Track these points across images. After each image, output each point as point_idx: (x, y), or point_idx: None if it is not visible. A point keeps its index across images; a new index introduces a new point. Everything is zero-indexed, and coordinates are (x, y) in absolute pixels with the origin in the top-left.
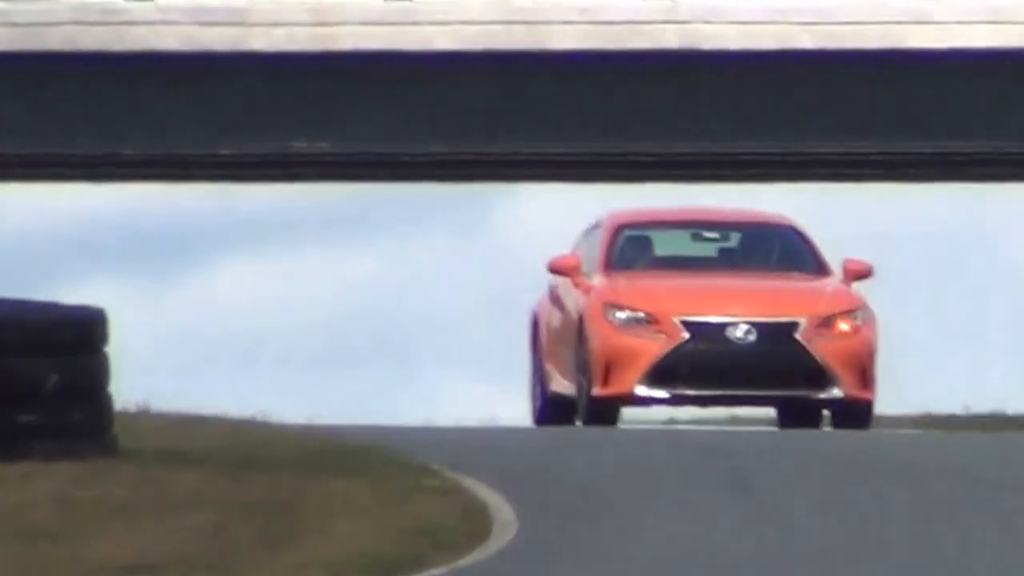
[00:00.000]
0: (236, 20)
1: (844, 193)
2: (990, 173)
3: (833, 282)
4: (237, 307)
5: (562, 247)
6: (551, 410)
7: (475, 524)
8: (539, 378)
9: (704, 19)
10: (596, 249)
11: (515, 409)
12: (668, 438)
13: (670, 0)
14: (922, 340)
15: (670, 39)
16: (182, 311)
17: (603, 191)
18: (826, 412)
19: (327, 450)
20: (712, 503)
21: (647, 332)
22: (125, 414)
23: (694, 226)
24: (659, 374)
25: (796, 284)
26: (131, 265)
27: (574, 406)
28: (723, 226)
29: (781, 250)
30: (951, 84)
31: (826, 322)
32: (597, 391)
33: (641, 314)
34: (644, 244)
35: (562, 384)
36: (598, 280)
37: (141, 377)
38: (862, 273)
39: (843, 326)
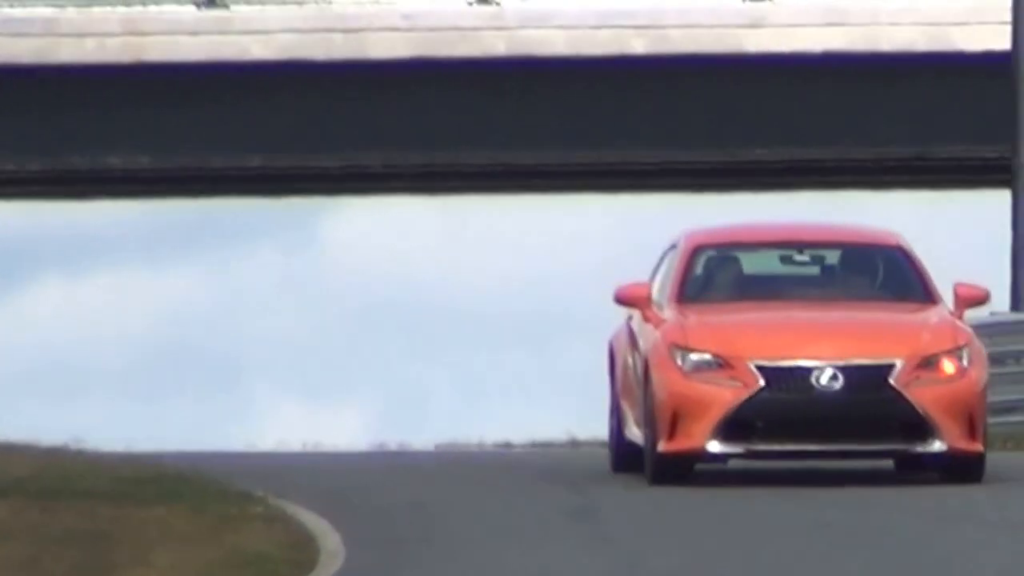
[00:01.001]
0: (45, 31)
1: (683, 201)
2: (833, 180)
3: (940, 313)
4: (50, 329)
5: (389, 260)
6: (627, 459)
7: (301, 554)
8: (616, 421)
9: (531, 24)
10: (670, 275)
11: (340, 433)
12: (505, 462)
13: (496, 6)
14: None
15: (496, 45)
16: None
17: (429, 203)
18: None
19: (145, 478)
20: (553, 530)
21: (719, 378)
22: None
23: (784, 246)
24: (733, 427)
25: (893, 318)
26: None
27: None
28: (819, 246)
29: (884, 275)
30: (788, 87)
31: (927, 363)
32: (663, 447)
33: (712, 357)
34: (726, 269)
35: (635, 432)
36: (668, 314)
37: None
38: (977, 299)
39: (947, 367)
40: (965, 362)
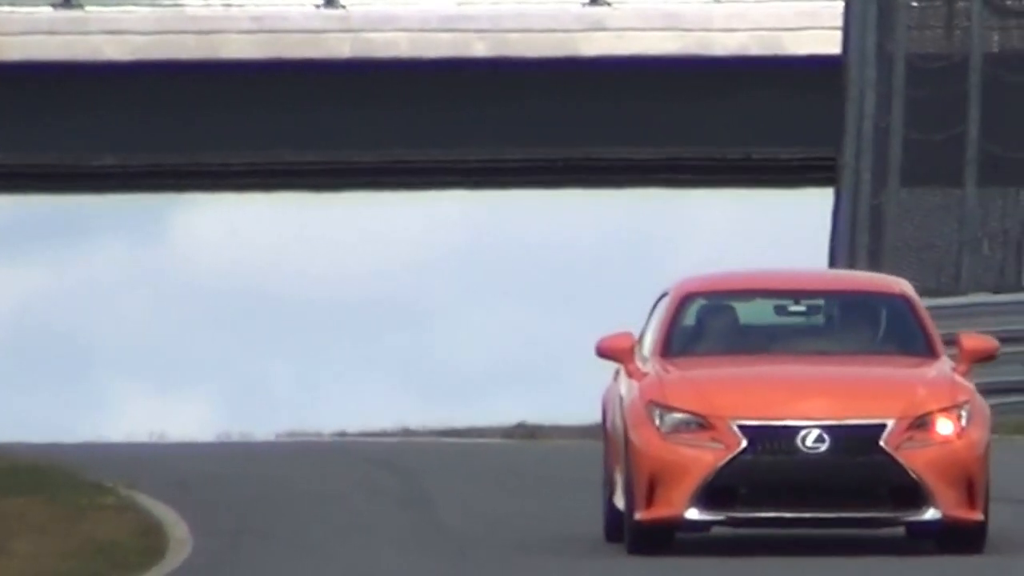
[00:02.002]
0: None
1: (523, 199)
2: (666, 179)
3: (940, 367)
4: None
5: (235, 255)
6: (619, 528)
7: (150, 542)
8: (606, 484)
9: (376, 27)
10: (657, 326)
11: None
12: (342, 450)
13: (342, 8)
14: (594, 337)
15: (343, 48)
16: None
17: (275, 200)
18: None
19: (1, 468)
20: (384, 517)
21: (699, 440)
22: None
23: (780, 296)
24: (713, 493)
25: (887, 373)
26: None
27: None
28: (817, 295)
29: (884, 326)
30: (624, 90)
31: (921, 423)
32: (640, 515)
33: (692, 417)
34: (716, 320)
35: (621, 499)
36: (651, 368)
37: None
38: (984, 353)
39: (943, 427)
40: (964, 421)
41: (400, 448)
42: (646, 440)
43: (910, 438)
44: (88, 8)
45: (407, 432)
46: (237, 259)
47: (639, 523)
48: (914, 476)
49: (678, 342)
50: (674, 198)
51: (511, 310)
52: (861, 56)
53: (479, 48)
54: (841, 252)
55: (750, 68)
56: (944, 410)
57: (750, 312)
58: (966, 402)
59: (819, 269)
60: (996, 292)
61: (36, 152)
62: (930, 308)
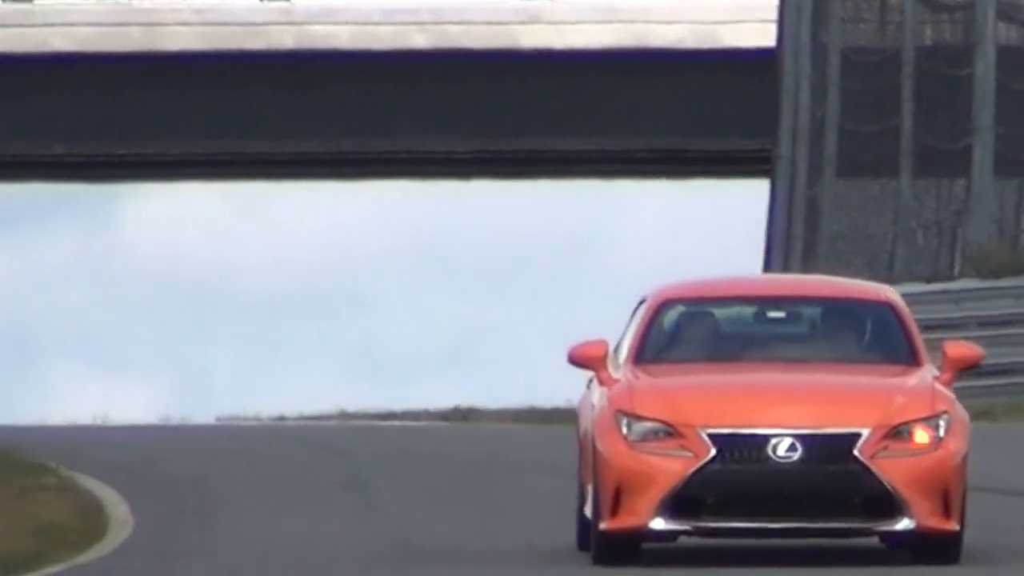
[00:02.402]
0: None
1: (462, 189)
2: (603, 170)
3: (921, 376)
4: None
5: (178, 243)
6: (589, 537)
7: (92, 522)
8: (579, 494)
9: (318, 20)
10: (632, 333)
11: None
12: (280, 434)
13: (286, 1)
14: (529, 334)
15: (285, 40)
16: None
17: (219, 189)
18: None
19: None
20: (321, 498)
21: (667, 449)
22: None
23: (760, 302)
24: (680, 503)
25: (865, 381)
26: None
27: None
28: (798, 301)
29: (867, 334)
30: (564, 83)
31: (897, 432)
32: (606, 524)
33: (660, 425)
34: (693, 327)
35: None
36: (623, 376)
37: None
38: (969, 362)
39: (920, 437)
40: (941, 432)
41: (338, 431)
42: (613, 449)
43: (885, 448)
44: (36, 1)
45: (345, 416)
46: (181, 247)
47: (604, 533)
48: (888, 486)
49: (652, 349)
50: (612, 189)
51: (448, 297)
52: (796, 49)
53: (419, 40)
54: (777, 242)
55: (686, 60)
56: (922, 420)
57: (729, 319)
58: (944, 412)
59: (802, 276)
60: (929, 282)
61: None
62: None
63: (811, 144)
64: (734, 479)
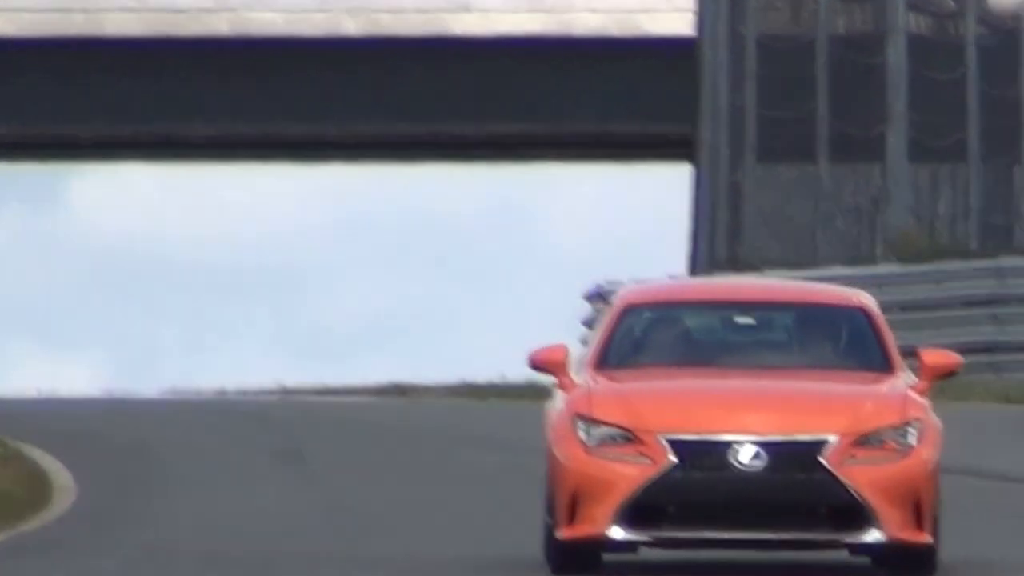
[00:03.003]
0: None
1: (393, 172)
2: (529, 154)
3: (894, 383)
4: None
5: (125, 222)
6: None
7: (36, 491)
8: (547, 506)
9: (254, 7)
10: (596, 338)
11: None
12: (221, 407)
13: None
14: (463, 312)
15: (221, 26)
16: None
17: (163, 171)
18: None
19: None
20: (261, 470)
21: (626, 455)
22: None
23: (728, 307)
24: (638, 511)
25: (834, 388)
26: None
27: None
28: (768, 306)
29: (840, 340)
30: (490, 68)
31: (866, 440)
32: (562, 533)
33: (619, 430)
34: (658, 332)
35: None
36: (583, 380)
37: None
38: (946, 369)
39: (890, 445)
40: (912, 439)
41: (277, 405)
42: (570, 454)
43: (853, 455)
44: None
45: (284, 390)
46: (124, 225)
47: (561, 542)
48: (856, 495)
49: (615, 355)
50: (538, 172)
51: (384, 276)
52: (714, 37)
53: (352, 28)
54: (702, 225)
55: (609, 48)
56: (892, 427)
57: (696, 324)
58: (916, 419)
59: (772, 280)
60: (850, 265)
61: None
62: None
63: (731, 130)
64: (695, 487)
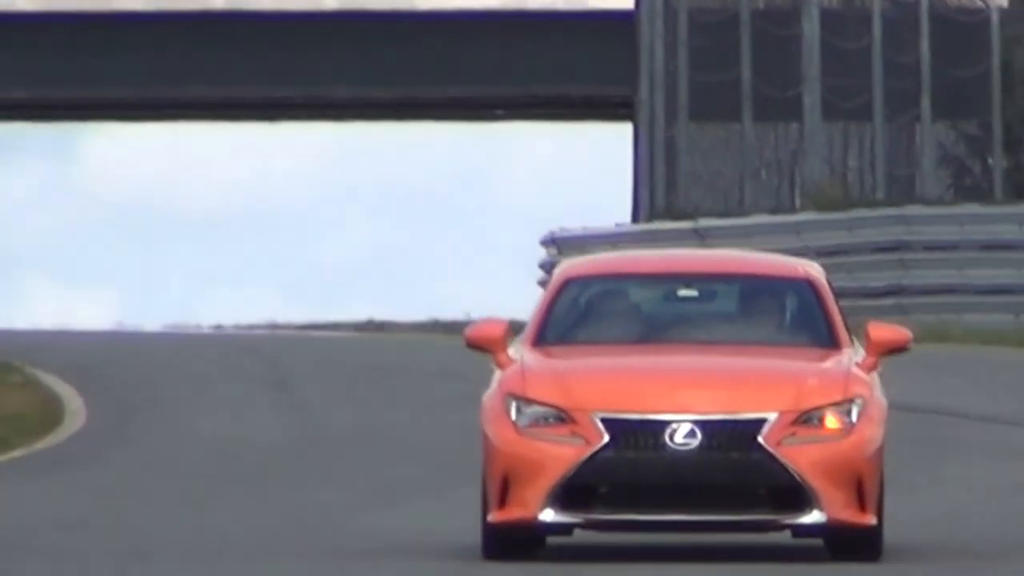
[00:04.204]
0: None
1: (370, 131)
2: (488, 115)
3: (839, 359)
4: None
5: (134, 174)
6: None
7: (50, 413)
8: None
9: None
10: (534, 313)
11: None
12: (217, 340)
13: None
14: (432, 257)
15: (217, 2)
16: None
17: (171, 129)
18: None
19: None
20: (251, 396)
21: (558, 435)
22: None
23: (671, 279)
24: (570, 493)
25: (774, 364)
26: None
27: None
28: (712, 278)
29: (785, 313)
30: (455, 38)
31: (806, 419)
32: (493, 516)
33: (552, 410)
34: (598, 306)
35: None
36: (521, 357)
37: None
38: (894, 345)
39: (831, 423)
40: (853, 417)
41: (267, 339)
42: (501, 435)
43: (793, 434)
44: None
45: (274, 326)
46: (132, 177)
47: (492, 526)
48: (795, 476)
49: (553, 331)
50: (496, 131)
51: (363, 225)
52: (651, 10)
53: (330, 3)
54: (643, 178)
55: (558, 20)
56: (833, 405)
57: (637, 298)
58: (859, 397)
59: (717, 251)
60: (773, 214)
61: None
62: (718, 228)
63: (666, 93)
64: (628, 468)
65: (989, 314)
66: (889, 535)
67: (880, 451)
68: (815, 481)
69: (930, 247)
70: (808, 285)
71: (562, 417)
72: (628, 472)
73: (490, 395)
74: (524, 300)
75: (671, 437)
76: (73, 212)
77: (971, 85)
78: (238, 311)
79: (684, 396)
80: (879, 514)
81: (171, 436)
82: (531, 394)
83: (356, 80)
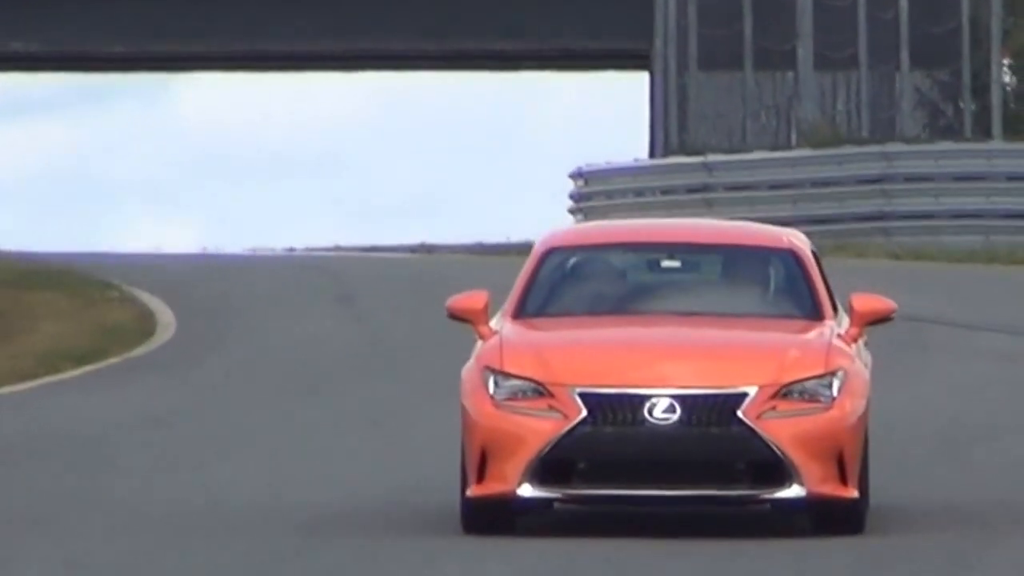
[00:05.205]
0: None
1: (421, 80)
2: (521, 64)
3: (821, 331)
4: None
5: (224, 115)
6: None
7: (145, 325)
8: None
9: None
10: (515, 285)
11: (177, 239)
12: (290, 261)
13: None
14: (475, 189)
15: None
16: None
17: (246, 77)
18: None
19: (36, 271)
20: (319, 308)
21: (536, 409)
22: None
23: (653, 249)
24: (548, 468)
25: (755, 337)
26: None
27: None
28: (695, 249)
29: (768, 284)
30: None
31: (787, 392)
32: (472, 490)
33: (529, 383)
34: (580, 278)
35: None
36: (501, 330)
37: None
38: (878, 315)
39: (812, 397)
40: (835, 391)
41: (333, 259)
42: (479, 408)
43: (773, 408)
44: None
45: (339, 248)
46: (219, 122)
47: (470, 500)
48: (775, 450)
49: (534, 302)
50: (528, 80)
51: (415, 161)
52: None
53: None
54: (658, 120)
55: None
56: (815, 378)
57: (620, 269)
58: (840, 370)
59: (701, 221)
60: (772, 150)
61: (61, 41)
62: (724, 163)
63: (678, 45)
64: (606, 442)
65: (961, 236)
66: (873, 428)
67: (861, 423)
68: (795, 455)
69: (909, 179)
70: (791, 255)
71: (540, 391)
72: (606, 447)
73: (469, 368)
74: (555, 224)
75: (650, 412)
76: (165, 152)
77: (944, 39)
78: (307, 236)
79: (663, 369)
80: (861, 487)
81: (250, 343)
82: (508, 367)
83: (409, 35)
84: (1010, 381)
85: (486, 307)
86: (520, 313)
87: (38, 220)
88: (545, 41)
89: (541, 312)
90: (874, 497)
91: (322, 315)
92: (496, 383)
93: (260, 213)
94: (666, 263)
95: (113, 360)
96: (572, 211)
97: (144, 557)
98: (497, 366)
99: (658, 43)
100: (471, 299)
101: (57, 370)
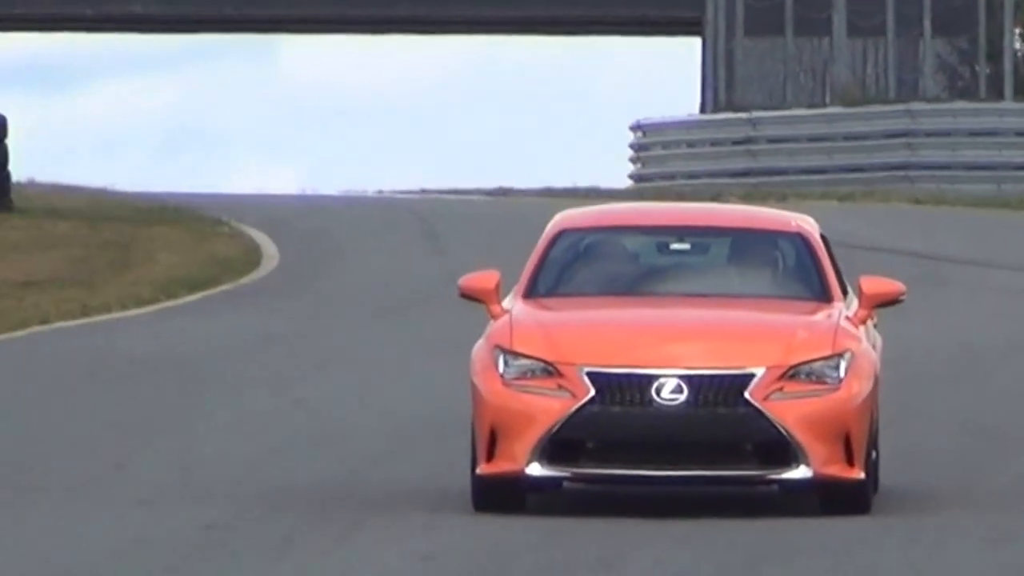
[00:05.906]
0: None
1: (491, 43)
2: (579, 30)
3: (830, 313)
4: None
5: (324, 72)
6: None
7: (251, 257)
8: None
9: None
10: (527, 266)
11: (279, 181)
12: (380, 202)
13: None
14: (545, 139)
15: None
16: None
17: (336, 40)
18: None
19: (155, 209)
20: (406, 244)
21: (545, 388)
22: (18, 184)
23: (664, 232)
24: (557, 447)
25: (763, 318)
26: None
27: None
28: (705, 232)
29: (777, 267)
30: None
31: (794, 373)
32: (481, 468)
33: (539, 363)
34: (590, 259)
35: None
36: (512, 309)
37: (28, 159)
38: (887, 297)
39: (819, 378)
40: (842, 372)
41: (419, 201)
42: (488, 387)
43: (780, 389)
44: None
45: (424, 191)
46: (317, 78)
47: (480, 478)
48: (782, 431)
49: (545, 283)
50: (588, 43)
51: (494, 116)
52: None
53: None
54: (708, 81)
55: None
56: (822, 360)
57: (630, 251)
58: (847, 351)
59: (711, 205)
60: (809, 108)
61: (177, 4)
62: (766, 118)
63: (727, 14)
64: (614, 422)
65: (976, 184)
66: (893, 351)
67: (868, 404)
68: (802, 436)
69: (930, 134)
70: (800, 238)
71: (548, 370)
72: (613, 427)
73: (479, 347)
74: (616, 172)
75: (658, 392)
76: (268, 104)
77: (962, 9)
78: (396, 180)
79: (671, 350)
80: (868, 468)
81: (345, 273)
82: (518, 347)
83: (489, 3)
84: (1020, 313)
85: (497, 287)
86: (531, 293)
87: (156, 164)
88: (609, 9)
89: (551, 292)
90: (886, 420)
91: (408, 250)
92: (506, 362)
93: (353, 159)
94: (675, 245)
95: (223, 287)
96: (632, 160)
97: (248, 467)
98: (507, 345)
99: (709, 12)
100: (483, 279)
101: (173, 296)
